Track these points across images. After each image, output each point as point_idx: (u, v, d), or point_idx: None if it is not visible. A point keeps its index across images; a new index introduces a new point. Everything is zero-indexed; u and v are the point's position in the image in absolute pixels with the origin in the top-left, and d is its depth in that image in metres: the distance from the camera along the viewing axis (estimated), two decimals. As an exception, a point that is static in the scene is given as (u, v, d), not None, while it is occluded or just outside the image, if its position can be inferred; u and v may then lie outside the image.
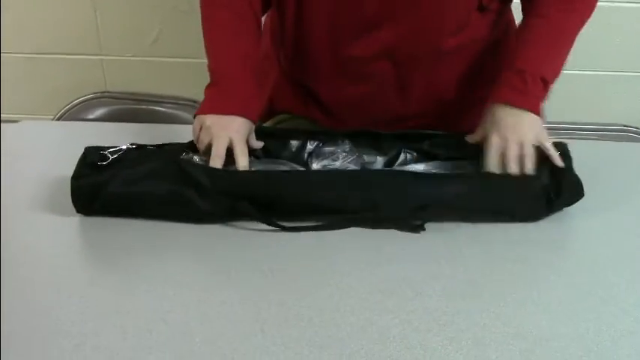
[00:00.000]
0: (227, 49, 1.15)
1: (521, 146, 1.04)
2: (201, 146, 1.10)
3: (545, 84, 1.08)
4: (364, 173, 1.10)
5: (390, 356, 0.80)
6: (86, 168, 1.06)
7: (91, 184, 1.04)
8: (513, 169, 1.04)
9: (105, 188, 1.03)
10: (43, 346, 0.81)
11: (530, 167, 1.04)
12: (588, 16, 1.14)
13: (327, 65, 1.20)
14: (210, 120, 1.09)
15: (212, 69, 1.15)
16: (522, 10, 1.16)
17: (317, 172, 1.12)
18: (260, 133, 1.17)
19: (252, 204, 1.03)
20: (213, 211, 1.04)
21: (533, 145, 1.05)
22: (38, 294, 0.91)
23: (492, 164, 1.06)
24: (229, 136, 1.07)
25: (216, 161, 1.06)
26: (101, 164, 1.06)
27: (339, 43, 1.16)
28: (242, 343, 0.82)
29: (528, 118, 1.06)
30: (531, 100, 1.06)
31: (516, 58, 1.09)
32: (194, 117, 1.14)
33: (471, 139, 1.11)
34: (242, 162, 1.07)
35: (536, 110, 1.06)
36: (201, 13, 1.18)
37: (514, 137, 1.04)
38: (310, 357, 0.80)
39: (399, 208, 1.04)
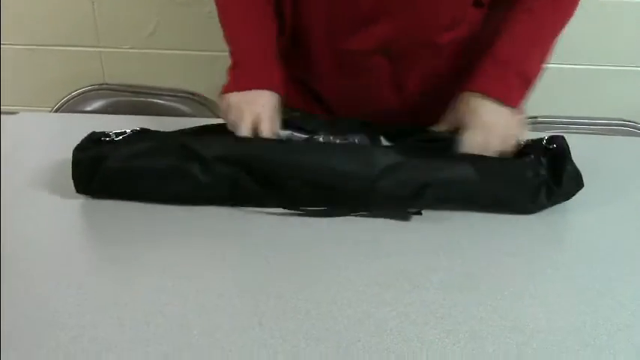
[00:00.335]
0: (247, 31, 1.15)
1: (503, 145, 1.03)
2: (231, 126, 1.09)
3: (527, 81, 1.05)
4: (364, 148, 1.10)
5: (387, 349, 0.80)
6: (90, 142, 1.08)
7: (91, 156, 1.04)
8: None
9: (105, 162, 1.04)
10: (40, 337, 0.81)
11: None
12: (572, 14, 1.12)
13: (324, 58, 1.20)
14: (235, 97, 1.09)
15: (233, 50, 1.15)
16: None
17: (317, 144, 1.11)
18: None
19: (251, 177, 1.03)
20: (214, 185, 1.04)
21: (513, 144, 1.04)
22: (35, 286, 0.90)
23: None
24: (256, 112, 1.06)
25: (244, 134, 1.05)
26: (104, 140, 1.07)
27: (335, 37, 1.16)
28: (240, 335, 0.82)
29: (508, 113, 1.03)
30: (512, 94, 1.03)
31: (498, 51, 1.06)
32: (219, 97, 1.14)
33: (440, 128, 1.09)
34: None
35: (515, 105, 1.03)
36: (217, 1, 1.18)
37: (496, 137, 1.02)
38: (307, 349, 0.80)
39: (396, 190, 1.03)
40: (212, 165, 1.03)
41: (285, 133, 1.12)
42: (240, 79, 1.12)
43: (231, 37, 1.16)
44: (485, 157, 1.09)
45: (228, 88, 1.12)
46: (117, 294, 0.89)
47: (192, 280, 0.92)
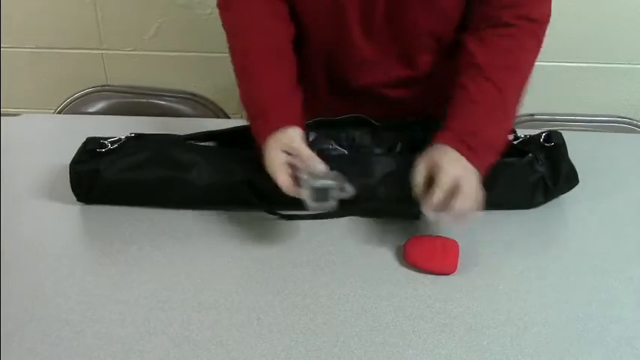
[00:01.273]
0: (268, 81, 1.09)
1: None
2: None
3: (496, 152, 1.02)
4: (363, 159, 1.11)
5: (384, 342, 0.82)
6: (85, 154, 1.08)
7: (88, 170, 1.06)
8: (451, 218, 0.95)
9: (102, 175, 1.05)
10: (43, 333, 0.83)
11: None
12: (529, 74, 1.08)
13: (322, 86, 1.20)
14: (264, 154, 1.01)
15: (257, 97, 1.08)
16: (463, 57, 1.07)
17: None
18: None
19: (251, 189, 1.04)
20: (211, 193, 1.05)
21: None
22: (39, 283, 0.92)
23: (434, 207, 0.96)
24: (283, 159, 0.98)
25: (289, 190, 0.97)
26: (100, 151, 1.08)
27: (334, 75, 1.18)
28: (238, 330, 0.83)
29: (477, 178, 0.98)
30: (484, 165, 0.99)
31: (469, 121, 1.02)
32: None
33: (419, 173, 0.99)
34: (316, 166, 0.97)
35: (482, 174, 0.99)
36: (233, 41, 1.13)
37: (468, 198, 0.95)
38: (305, 343, 0.81)
39: (397, 194, 1.05)
40: (209, 174, 1.05)
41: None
42: (262, 131, 1.03)
43: (252, 82, 1.10)
44: None
45: (257, 148, 1.04)
46: (118, 291, 0.90)
47: (191, 277, 0.93)
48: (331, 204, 0.93)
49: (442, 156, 0.96)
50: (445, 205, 0.92)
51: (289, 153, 0.98)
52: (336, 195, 0.93)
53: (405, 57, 1.14)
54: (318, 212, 1.02)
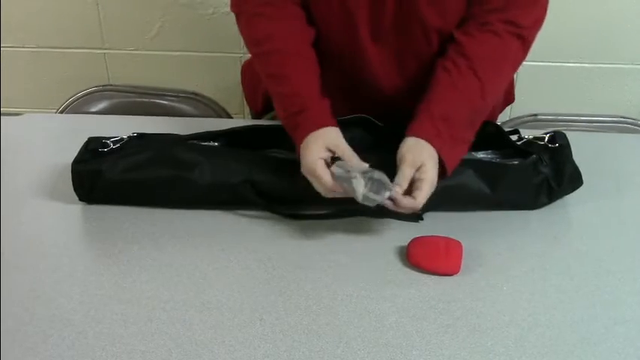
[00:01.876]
0: (306, 81, 1.10)
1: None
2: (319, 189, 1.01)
3: (466, 145, 1.05)
4: (366, 160, 1.10)
5: (387, 343, 0.81)
6: (87, 154, 1.08)
7: (90, 170, 1.06)
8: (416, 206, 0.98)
9: (104, 175, 1.05)
10: (45, 333, 0.83)
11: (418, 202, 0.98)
12: (510, 78, 1.14)
13: (332, 87, 1.20)
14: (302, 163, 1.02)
15: (293, 96, 1.09)
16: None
17: None
18: (263, 130, 1.17)
19: (253, 188, 1.04)
20: (213, 192, 1.05)
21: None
22: (40, 282, 0.92)
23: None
24: (324, 155, 1.00)
25: (328, 185, 0.99)
26: (102, 151, 1.08)
27: (344, 76, 1.18)
28: (241, 331, 0.83)
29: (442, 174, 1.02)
30: (454, 162, 1.03)
31: (447, 106, 1.05)
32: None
33: (406, 169, 1.00)
34: (356, 163, 0.99)
35: (451, 169, 1.02)
36: (262, 46, 1.13)
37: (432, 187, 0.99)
38: (308, 344, 0.81)
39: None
40: (211, 173, 1.05)
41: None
42: (311, 120, 1.05)
43: (295, 83, 1.10)
44: (486, 161, 1.10)
45: (301, 135, 1.05)
46: (120, 291, 0.90)
47: (193, 277, 0.93)
48: (381, 198, 0.94)
49: (422, 152, 0.99)
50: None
51: (331, 150, 1.00)
52: (386, 190, 0.95)
53: (412, 56, 1.15)
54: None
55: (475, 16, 1.08)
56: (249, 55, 1.20)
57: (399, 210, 0.98)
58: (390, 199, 0.96)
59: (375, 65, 1.16)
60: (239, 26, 1.17)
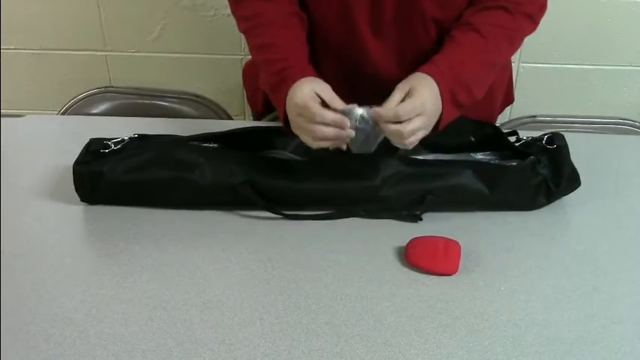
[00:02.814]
0: (293, 49, 1.11)
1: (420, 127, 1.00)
2: (308, 140, 1.01)
3: (469, 95, 1.06)
4: (365, 159, 1.11)
5: (386, 342, 0.82)
6: (89, 155, 1.09)
7: (92, 171, 1.06)
8: (402, 133, 0.98)
9: (105, 176, 1.06)
10: (47, 333, 0.83)
11: (411, 144, 0.99)
12: (517, 40, 1.14)
13: (332, 83, 1.21)
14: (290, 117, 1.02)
15: (279, 58, 1.09)
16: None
17: (317, 160, 1.12)
18: (264, 132, 1.18)
19: (253, 189, 1.05)
20: (214, 193, 1.06)
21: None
22: (42, 282, 0.93)
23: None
24: (311, 95, 0.98)
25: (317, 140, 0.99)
26: (103, 152, 1.09)
27: (344, 72, 1.19)
28: (241, 330, 0.84)
29: (437, 115, 1.02)
30: (451, 107, 1.03)
31: (451, 60, 1.07)
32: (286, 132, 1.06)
33: (396, 92, 1.01)
34: (337, 104, 0.98)
35: (445, 117, 1.03)
36: (251, 24, 1.14)
37: (423, 121, 0.99)
38: (308, 343, 0.82)
39: (398, 199, 1.05)
40: (212, 174, 1.06)
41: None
42: (285, 88, 1.05)
43: (280, 50, 1.10)
44: (484, 162, 1.11)
45: (282, 109, 1.05)
46: (121, 290, 0.91)
47: (194, 276, 0.94)
48: (369, 128, 0.98)
49: (421, 81, 1.00)
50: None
51: (318, 95, 0.98)
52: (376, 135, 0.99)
53: (412, 48, 1.16)
54: (319, 213, 1.03)
55: (482, 1, 1.11)
56: (251, 57, 1.20)
57: (384, 129, 0.97)
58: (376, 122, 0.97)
59: (375, 59, 1.16)
60: (230, 5, 1.18)
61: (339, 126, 0.97)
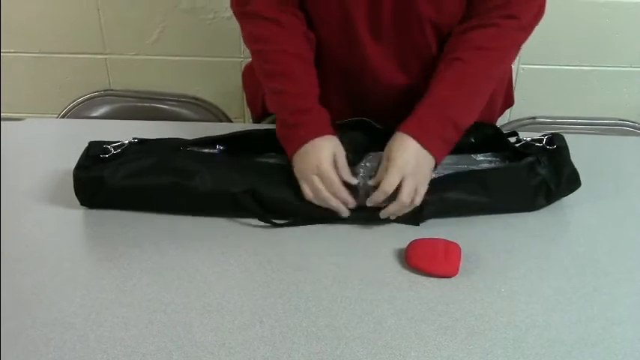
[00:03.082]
0: (311, 83, 1.13)
1: (414, 187, 1.02)
2: (308, 193, 1.05)
3: (457, 129, 1.07)
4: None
5: (386, 345, 0.82)
6: (88, 160, 1.09)
7: (92, 176, 1.06)
8: (402, 204, 1.01)
9: (105, 182, 1.06)
10: (47, 337, 0.83)
11: (418, 202, 1.02)
12: (504, 62, 1.16)
13: (333, 90, 1.21)
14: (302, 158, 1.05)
15: (298, 95, 1.11)
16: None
17: None
18: (263, 135, 1.18)
19: (253, 197, 1.05)
20: (214, 200, 1.06)
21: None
22: (42, 286, 0.93)
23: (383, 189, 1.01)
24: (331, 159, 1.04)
25: (335, 200, 1.03)
26: (103, 157, 1.09)
27: (345, 78, 1.20)
28: (241, 333, 0.84)
29: (429, 162, 1.04)
30: (430, 135, 1.04)
31: (427, 94, 1.08)
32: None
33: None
34: (345, 175, 1.04)
35: (438, 157, 1.05)
36: (261, 46, 1.14)
37: (415, 179, 1.01)
38: (308, 346, 0.82)
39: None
40: (212, 182, 1.05)
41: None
42: (303, 135, 1.07)
43: (299, 84, 1.12)
44: (483, 169, 1.10)
45: (290, 152, 1.07)
46: (121, 294, 0.91)
47: (194, 280, 0.93)
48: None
49: (396, 146, 1.03)
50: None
51: (334, 158, 1.04)
52: None
53: (411, 51, 1.16)
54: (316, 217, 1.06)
55: (477, 14, 1.10)
56: (250, 59, 1.20)
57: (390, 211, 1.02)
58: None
59: (374, 62, 1.17)
60: (240, 24, 1.17)
61: (344, 202, 1.04)
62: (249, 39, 1.16)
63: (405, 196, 1.00)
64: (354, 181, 1.04)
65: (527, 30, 1.12)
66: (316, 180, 1.03)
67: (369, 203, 1.03)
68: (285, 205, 1.06)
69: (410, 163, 1.01)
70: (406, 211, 1.03)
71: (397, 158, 1.01)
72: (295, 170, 1.06)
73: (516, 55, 1.15)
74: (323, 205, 1.04)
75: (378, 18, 1.11)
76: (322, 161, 1.03)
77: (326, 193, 1.03)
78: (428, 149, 1.03)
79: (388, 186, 1.00)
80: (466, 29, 1.11)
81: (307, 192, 1.04)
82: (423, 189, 1.02)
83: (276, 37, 1.12)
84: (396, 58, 1.17)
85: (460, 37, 1.11)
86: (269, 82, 1.14)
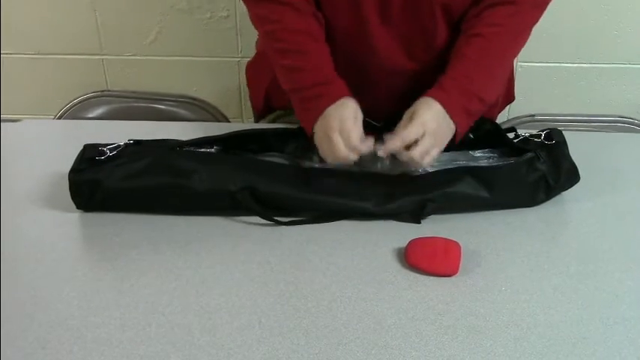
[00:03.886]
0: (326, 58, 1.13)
1: (430, 147, 1.03)
2: (328, 155, 1.06)
3: (482, 102, 1.09)
4: (365, 175, 1.10)
5: (386, 345, 0.81)
6: (84, 162, 1.08)
7: (88, 179, 1.05)
8: (413, 158, 1.02)
9: (102, 184, 1.05)
10: (44, 339, 0.83)
11: (426, 163, 1.03)
12: (522, 42, 1.15)
13: (341, 76, 1.20)
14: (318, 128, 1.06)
15: (316, 68, 1.12)
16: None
17: (317, 170, 1.12)
18: (261, 134, 1.17)
19: (251, 195, 1.04)
20: (212, 199, 1.05)
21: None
22: (39, 289, 0.92)
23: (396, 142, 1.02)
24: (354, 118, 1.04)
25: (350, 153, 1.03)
26: (99, 159, 1.08)
27: (353, 64, 1.19)
28: (240, 334, 0.83)
29: (450, 129, 1.06)
30: (462, 117, 1.06)
31: (455, 74, 1.09)
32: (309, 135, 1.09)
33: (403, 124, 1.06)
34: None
35: (460, 126, 1.06)
36: (274, 26, 1.14)
37: (432, 139, 1.02)
38: (307, 346, 0.81)
39: (399, 208, 1.05)
40: (210, 181, 1.05)
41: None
42: (326, 102, 1.08)
43: (315, 58, 1.13)
44: (484, 166, 1.10)
45: (312, 121, 1.08)
46: (119, 296, 0.90)
47: (192, 280, 0.93)
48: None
49: (421, 104, 1.04)
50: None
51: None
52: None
53: (419, 37, 1.16)
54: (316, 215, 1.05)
55: None
56: (250, 58, 1.20)
57: (399, 157, 1.03)
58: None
59: (382, 47, 1.16)
60: (247, 6, 1.17)
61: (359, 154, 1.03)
62: (259, 21, 1.16)
63: (417, 151, 1.01)
64: (370, 141, 1.03)
65: (541, 7, 1.13)
66: (335, 136, 1.02)
67: (380, 152, 1.02)
68: (284, 202, 1.05)
69: (433, 121, 1.03)
70: (406, 168, 1.05)
71: (422, 115, 1.02)
72: (316, 139, 1.07)
73: (529, 36, 1.15)
74: (337, 162, 1.04)
75: (388, 2, 1.10)
76: (345, 117, 1.03)
77: (343, 150, 1.02)
78: (450, 115, 1.04)
79: (407, 135, 1.01)
80: (483, 8, 1.11)
81: (324, 150, 1.05)
82: (435, 152, 1.03)
83: (286, 17, 1.12)
84: (403, 44, 1.16)
85: (478, 15, 1.12)
86: (282, 59, 1.14)
